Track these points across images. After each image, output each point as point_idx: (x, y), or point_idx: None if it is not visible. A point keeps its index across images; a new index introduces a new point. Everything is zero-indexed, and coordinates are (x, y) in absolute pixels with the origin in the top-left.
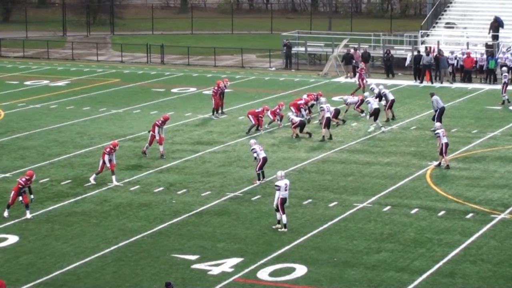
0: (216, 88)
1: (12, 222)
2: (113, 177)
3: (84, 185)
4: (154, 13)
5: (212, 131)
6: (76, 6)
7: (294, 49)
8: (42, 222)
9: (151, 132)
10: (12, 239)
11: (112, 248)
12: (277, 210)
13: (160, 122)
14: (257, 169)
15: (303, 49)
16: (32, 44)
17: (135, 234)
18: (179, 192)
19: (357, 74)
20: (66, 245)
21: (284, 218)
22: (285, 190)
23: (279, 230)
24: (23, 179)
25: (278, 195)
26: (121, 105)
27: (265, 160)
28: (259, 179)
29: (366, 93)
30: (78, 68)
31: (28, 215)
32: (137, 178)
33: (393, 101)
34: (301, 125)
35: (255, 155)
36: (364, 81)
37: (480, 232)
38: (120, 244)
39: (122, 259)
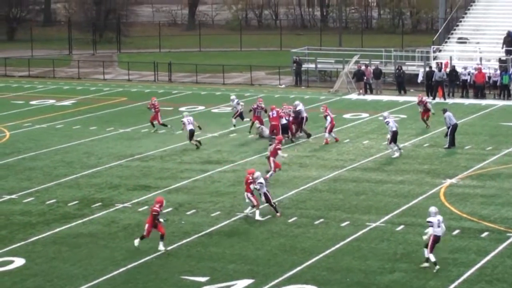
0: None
1: (18, 244)
2: (161, 243)
3: (91, 206)
4: (161, 30)
5: (221, 150)
6: (81, 24)
7: (304, 66)
8: (49, 244)
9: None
10: (19, 261)
11: (121, 270)
12: (426, 246)
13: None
14: (272, 203)
15: (313, 65)
16: (37, 63)
17: (143, 256)
18: (188, 213)
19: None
20: (74, 267)
21: (431, 257)
22: (438, 226)
23: (421, 266)
24: (156, 206)
25: (431, 232)
26: (128, 124)
27: (267, 196)
28: (277, 211)
29: (385, 113)
30: (84, 87)
31: (162, 247)
32: (145, 199)
33: (306, 118)
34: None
35: (257, 186)
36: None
37: (496, 251)
38: (129, 266)
39: (130, 281)
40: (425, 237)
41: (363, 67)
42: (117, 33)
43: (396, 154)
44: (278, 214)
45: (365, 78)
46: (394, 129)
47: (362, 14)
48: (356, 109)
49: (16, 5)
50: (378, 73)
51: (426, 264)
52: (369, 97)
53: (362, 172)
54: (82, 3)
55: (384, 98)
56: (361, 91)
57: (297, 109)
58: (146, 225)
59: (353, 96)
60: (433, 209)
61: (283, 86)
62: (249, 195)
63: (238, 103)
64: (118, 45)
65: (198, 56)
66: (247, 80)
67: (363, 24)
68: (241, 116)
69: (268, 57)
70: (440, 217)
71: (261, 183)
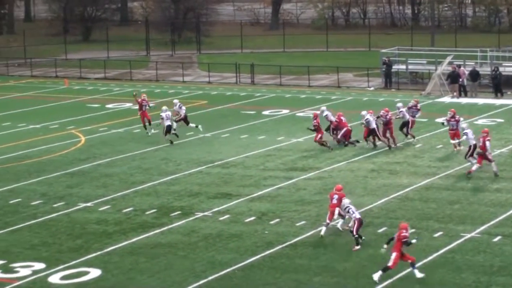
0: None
1: (94, 254)
2: (416, 271)
3: (170, 215)
4: (243, 29)
5: (307, 156)
6: (160, 24)
7: (394, 67)
8: (126, 255)
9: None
10: (95, 272)
11: (201, 282)
12: None
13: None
14: (354, 233)
15: (403, 67)
16: (113, 64)
17: (225, 267)
18: (271, 222)
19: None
20: (152, 279)
21: None
22: None
23: None
24: (404, 232)
25: None
26: (208, 128)
27: (360, 222)
28: (357, 244)
29: (464, 125)
30: (162, 90)
31: (419, 275)
32: (226, 207)
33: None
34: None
35: (350, 213)
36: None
37: None
38: (210, 278)
39: None
40: None
41: (460, 68)
42: (197, 33)
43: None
44: (357, 247)
45: (460, 80)
46: (474, 142)
47: (455, 12)
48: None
49: (91, 4)
50: (475, 75)
51: None
52: (464, 100)
53: (456, 179)
54: (160, 1)
55: (480, 101)
56: (455, 93)
57: (364, 119)
58: (393, 254)
59: (447, 99)
60: None
61: (372, 88)
62: (339, 210)
63: (180, 107)
64: (198, 46)
65: (282, 57)
66: (333, 82)
67: (457, 23)
68: (185, 120)
69: (356, 58)
70: None
71: (348, 207)
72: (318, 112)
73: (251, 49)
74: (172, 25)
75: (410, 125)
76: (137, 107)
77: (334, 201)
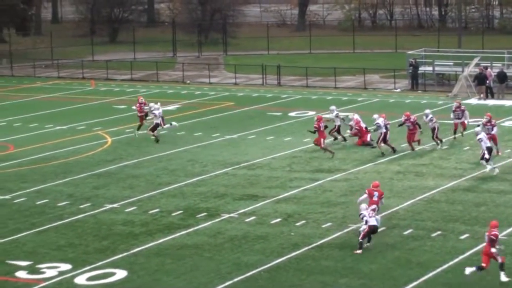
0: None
1: (120, 255)
2: (502, 273)
3: (196, 216)
4: (270, 31)
5: (333, 157)
6: (186, 25)
7: (421, 69)
8: (152, 256)
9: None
10: (121, 273)
11: (227, 283)
12: None
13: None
14: (360, 238)
15: (430, 68)
16: (140, 65)
17: (251, 269)
18: (297, 224)
19: None
20: (178, 280)
21: None
22: None
23: None
24: (493, 233)
25: None
26: (235, 130)
27: (372, 229)
28: (359, 248)
29: (478, 128)
30: (189, 91)
31: (504, 278)
32: (252, 209)
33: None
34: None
35: (365, 219)
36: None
37: None
38: (235, 280)
39: None
40: None
41: (488, 70)
42: (223, 34)
43: (497, 170)
44: (358, 251)
45: (487, 81)
46: (488, 144)
47: (483, 13)
48: (476, 114)
49: (118, 6)
50: (502, 77)
51: None
52: (491, 102)
53: (483, 181)
54: (186, 3)
55: (507, 103)
56: (482, 95)
57: (375, 123)
58: (484, 258)
59: (473, 100)
60: None
61: (398, 90)
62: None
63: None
64: (225, 47)
65: (309, 58)
66: (360, 84)
67: (484, 24)
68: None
69: (382, 60)
70: None
71: (361, 213)
72: (324, 114)
73: (277, 51)
74: (199, 27)
75: (436, 131)
76: (136, 106)
77: (375, 198)
